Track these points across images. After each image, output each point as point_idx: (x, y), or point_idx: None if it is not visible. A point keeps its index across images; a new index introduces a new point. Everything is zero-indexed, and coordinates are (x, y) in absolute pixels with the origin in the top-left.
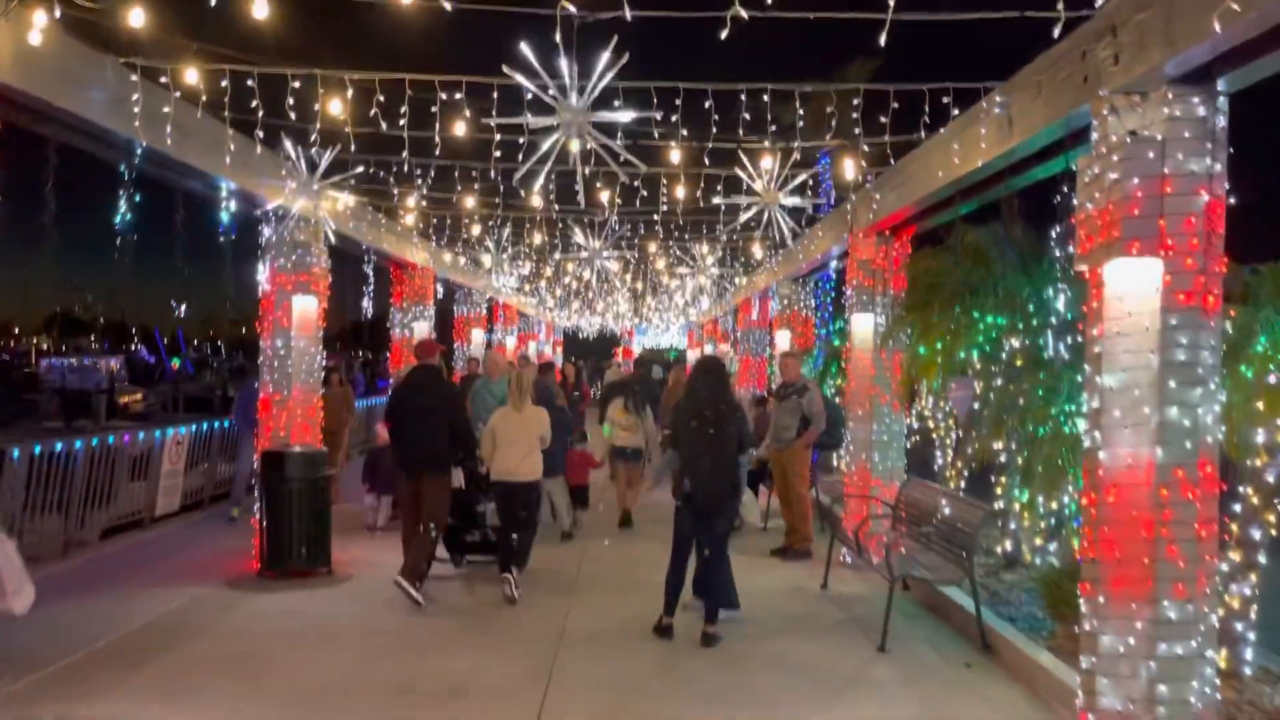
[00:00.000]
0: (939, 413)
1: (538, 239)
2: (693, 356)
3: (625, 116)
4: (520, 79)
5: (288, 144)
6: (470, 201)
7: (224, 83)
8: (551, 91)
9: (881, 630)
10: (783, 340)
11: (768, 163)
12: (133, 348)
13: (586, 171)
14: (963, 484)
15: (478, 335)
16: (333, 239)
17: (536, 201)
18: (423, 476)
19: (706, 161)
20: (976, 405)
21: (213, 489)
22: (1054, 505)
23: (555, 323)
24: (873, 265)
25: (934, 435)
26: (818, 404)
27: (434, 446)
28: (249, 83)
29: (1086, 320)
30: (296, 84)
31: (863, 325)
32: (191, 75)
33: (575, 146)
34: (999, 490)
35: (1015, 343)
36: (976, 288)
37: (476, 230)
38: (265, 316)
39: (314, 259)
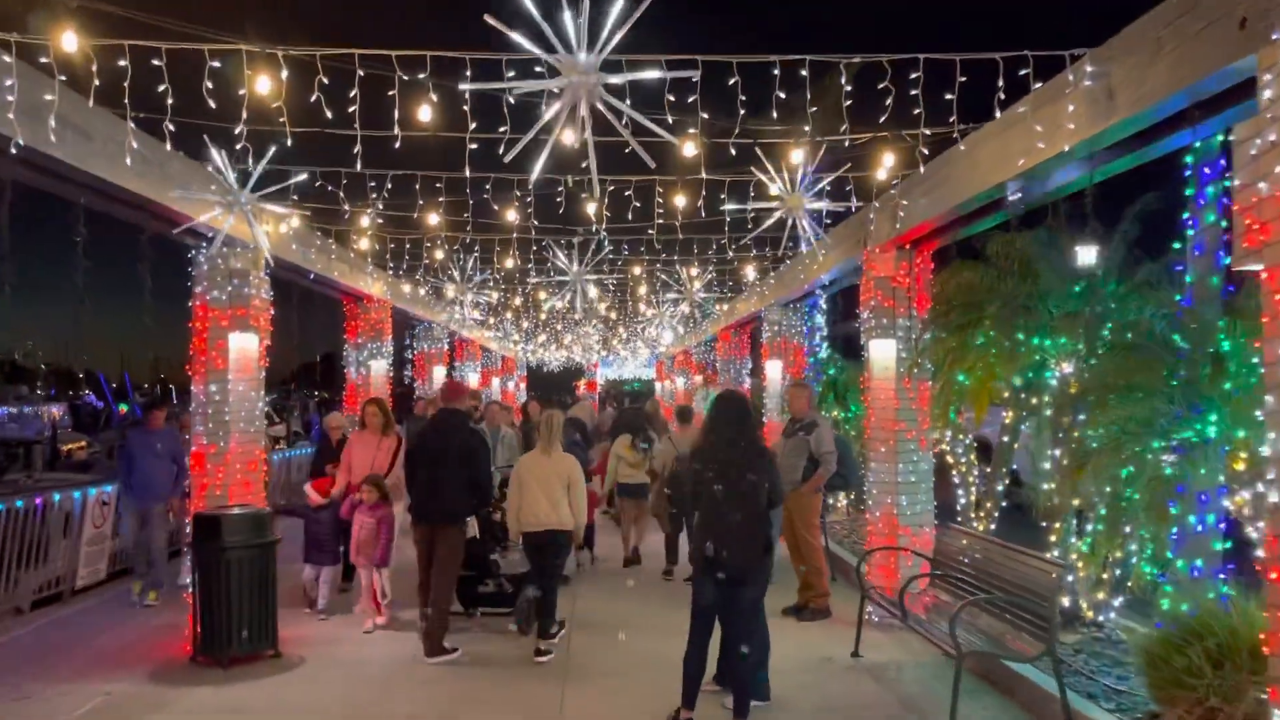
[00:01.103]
0: (957, 446)
1: (510, 263)
2: (662, 390)
3: (651, 74)
4: (511, 34)
5: (213, 152)
6: (434, 219)
7: (123, 61)
8: (555, 55)
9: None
10: (774, 370)
11: (797, 156)
12: (82, 394)
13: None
14: (992, 526)
15: (439, 373)
16: (271, 262)
17: (512, 216)
18: (436, 528)
19: (732, 151)
20: (1005, 437)
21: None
22: (1121, 554)
23: (518, 358)
24: (892, 283)
25: (953, 472)
26: (828, 442)
27: (452, 496)
28: (155, 62)
29: (1263, 335)
30: (216, 63)
31: (882, 351)
32: (69, 44)
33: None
34: (1052, 538)
35: (1068, 367)
36: (1027, 305)
37: (440, 255)
38: (196, 358)
39: (253, 290)
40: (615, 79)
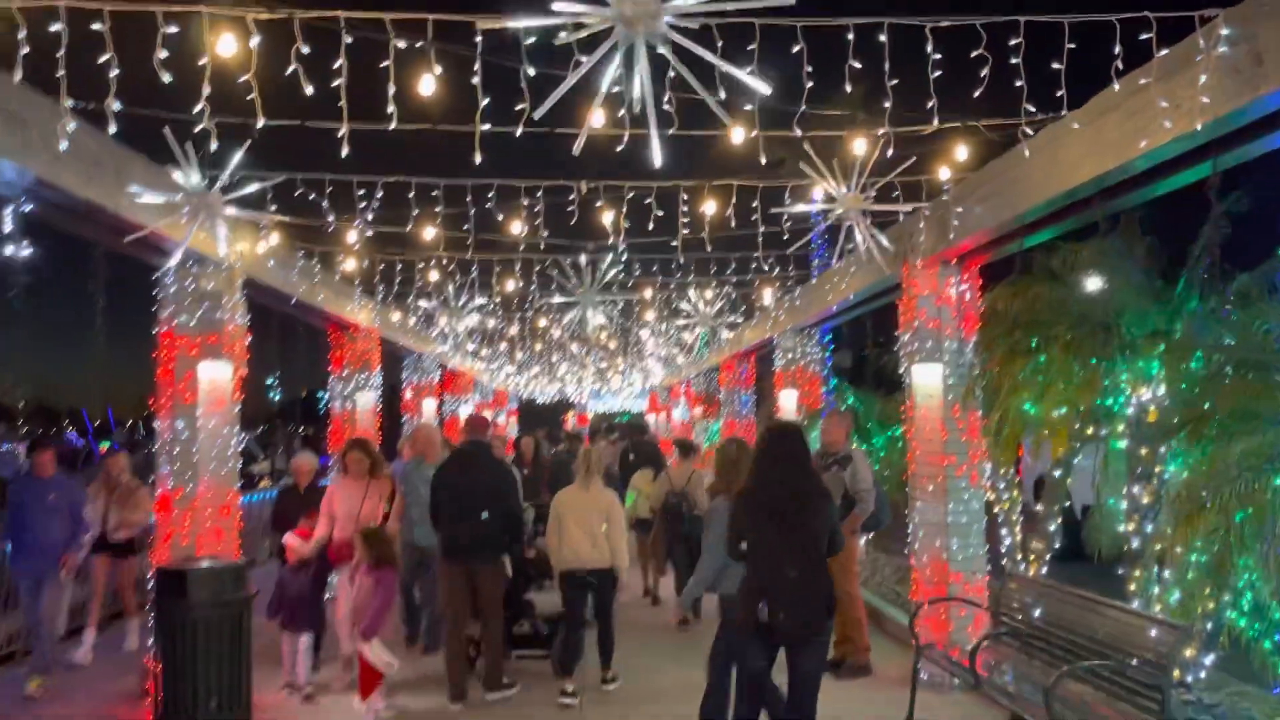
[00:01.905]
0: (999, 481)
1: (510, 285)
2: (655, 423)
3: (724, 4)
4: None
5: (170, 140)
6: (430, 233)
7: (56, 27)
8: None
9: None
10: (788, 400)
11: (855, 148)
12: (64, 431)
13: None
14: (1043, 570)
15: (429, 406)
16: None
17: (517, 229)
18: (473, 568)
19: (797, 131)
20: (1057, 472)
21: (111, 603)
22: (1214, 606)
23: (510, 390)
24: (937, 302)
25: (997, 510)
26: (865, 478)
27: (487, 533)
28: (95, 27)
29: None
30: (172, 29)
31: (927, 377)
32: None
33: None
34: (1132, 586)
35: (1146, 393)
36: (1105, 324)
37: (435, 277)
38: (162, 390)
39: (226, 315)
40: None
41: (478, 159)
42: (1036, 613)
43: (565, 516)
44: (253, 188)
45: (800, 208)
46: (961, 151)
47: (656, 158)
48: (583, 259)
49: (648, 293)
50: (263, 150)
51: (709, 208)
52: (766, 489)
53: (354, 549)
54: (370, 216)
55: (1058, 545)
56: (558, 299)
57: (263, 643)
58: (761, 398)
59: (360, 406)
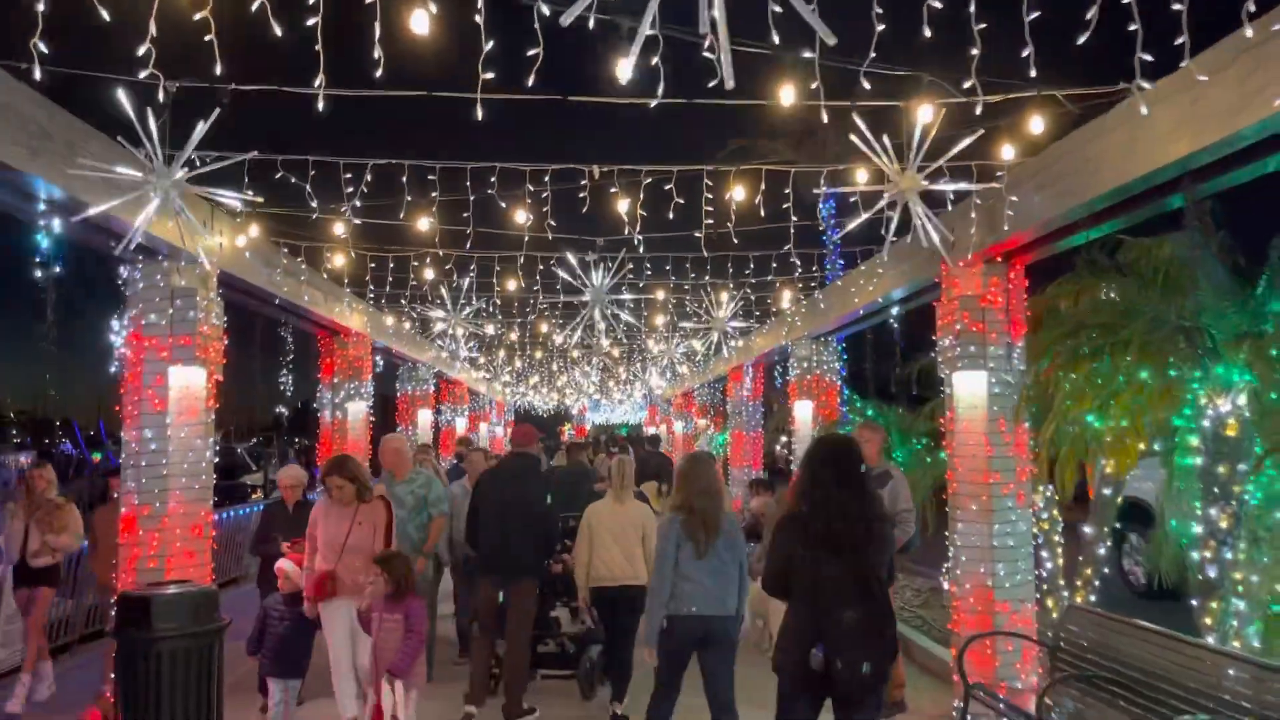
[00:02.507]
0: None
1: (512, 285)
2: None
3: None
4: None
5: (123, 101)
6: (425, 224)
7: None
8: None
9: None
10: (803, 411)
11: (926, 114)
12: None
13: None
14: (1091, 598)
15: (424, 416)
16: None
17: (521, 219)
18: (510, 583)
19: (865, 85)
20: (1106, 490)
21: (84, 622)
22: None
23: (507, 401)
24: (981, 303)
25: (1037, 531)
26: (905, 499)
27: (526, 548)
28: None
29: None
30: None
31: (969, 386)
32: None
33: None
34: (1208, 620)
35: (1224, 404)
36: (1184, 326)
37: (430, 275)
38: (128, 397)
39: (201, 314)
40: None
41: (479, 114)
42: (1104, 650)
43: (599, 530)
44: (222, 164)
45: (847, 189)
46: (1036, 124)
47: (728, 78)
48: (591, 256)
49: (659, 294)
50: (236, 128)
51: (737, 194)
52: (822, 515)
53: (335, 583)
54: (358, 203)
55: (1105, 571)
56: (564, 299)
57: (236, 677)
58: (770, 409)
59: (352, 417)
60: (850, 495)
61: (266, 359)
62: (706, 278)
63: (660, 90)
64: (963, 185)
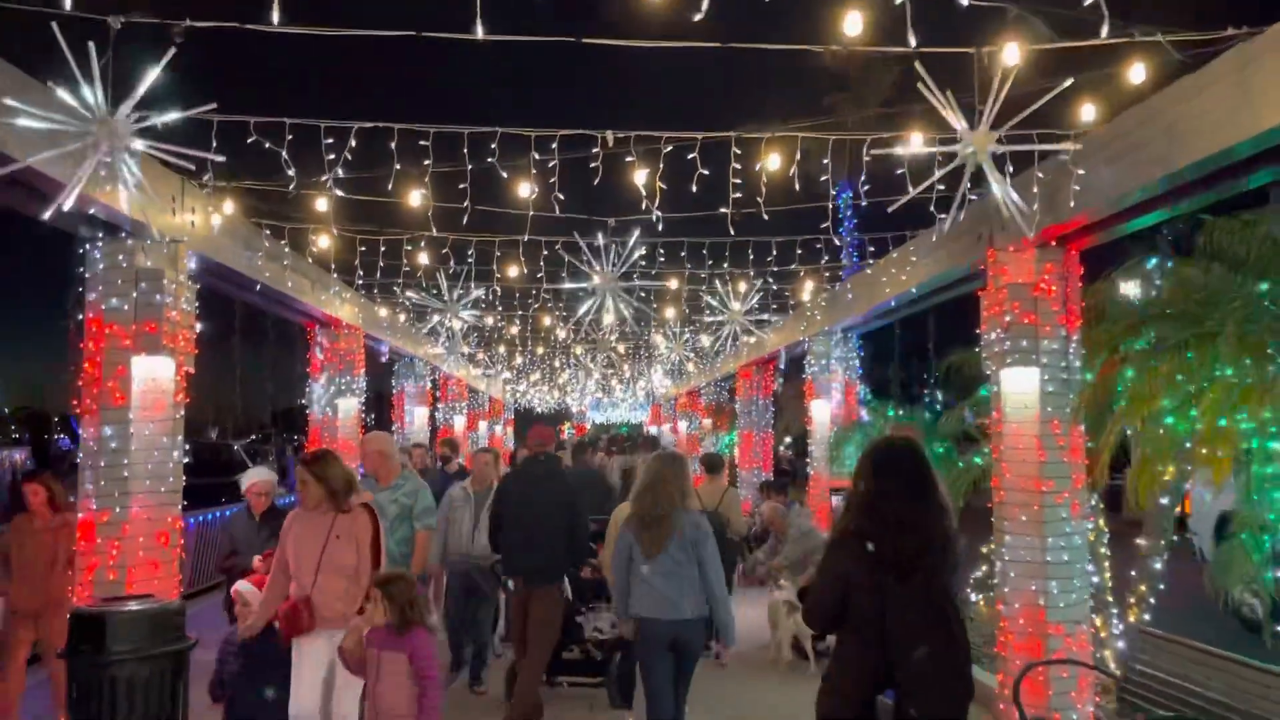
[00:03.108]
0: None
1: (514, 271)
2: (659, 433)
3: None
4: None
5: (58, 36)
6: (417, 198)
7: None
8: None
9: None
10: (820, 412)
11: (1010, 55)
12: (56, 437)
13: None
14: (1145, 618)
15: (419, 414)
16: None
17: (525, 192)
18: (533, 589)
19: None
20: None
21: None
22: None
23: (506, 399)
24: (1033, 292)
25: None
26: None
27: (552, 553)
28: None
29: None
30: None
31: (1020, 384)
32: None
33: None
34: None
35: None
36: None
37: (424, 260)
38: (86, 389)
39: (169, 298)
40: None
41: (479, 32)
42: (1182, 685)
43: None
44: (176, 114)
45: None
46: (1135, 73)
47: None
48: (601, 241)
49: (672, 284)
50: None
51: (770, 163)
52: (889, 534)
53: (310, 615)
54: (340, 172)
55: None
56: (570, 286)
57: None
58: (780, 408)
59: (342, 414)
60: (922, 508)
61: (264, 351)
62: (725, 265)
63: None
64: (1051, 147)
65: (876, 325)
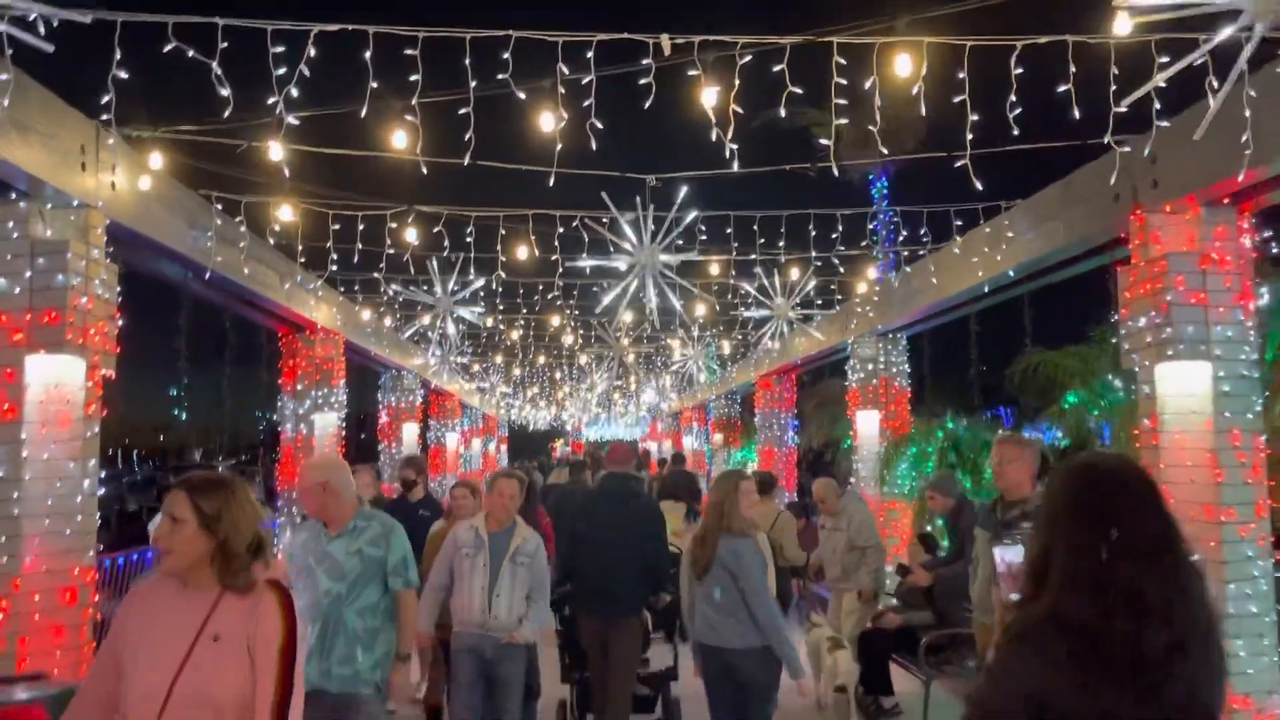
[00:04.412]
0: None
1: (523, 252)
2: (661, 450)
3: None
4: None
5: None
6: (400, 139)
7: None
8: None
9: None
10: (868, 422)
11: None
12: None
13: None
14: None
15: (409, 431)
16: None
17: (547, 124)
18: (613, 623)
19: None
20: None
21: None
22: None
23: (500, 416)
24: (1201, 264)
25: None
26: None
27: (632, 581)
28: None
29: None
30: None
31: (1185, 384)
32: None
33: None
34: None
35: None
36: None
37: (412, 237)
38: None
39: (76, 280)
40: None
41: None
42: None
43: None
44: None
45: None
46: None
47: None
48: (628, 217)
49: (713, 267)
50: None
51: (902, 65)
52: (1115, 622)
53: None
54: (295, 90)
55: None
56: (597, 263)
57: None
58: (804, 421)
59: (319, 431)
60: (1171, 577)
61: (259, 359)
62: (781, 244)
63: None
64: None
65: (956, 316)
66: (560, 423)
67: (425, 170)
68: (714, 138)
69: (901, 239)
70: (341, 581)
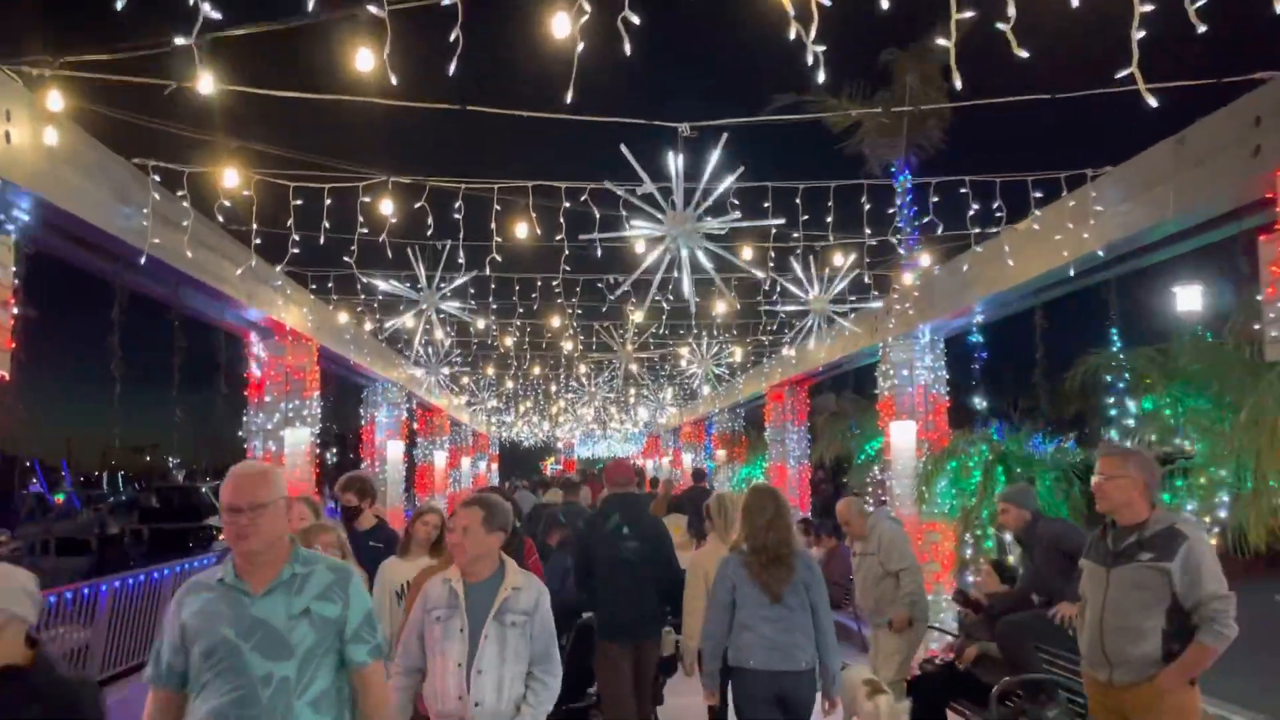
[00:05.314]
0: None
1: (522, 229)
2: (655, 469)
3: None
4: None
5: None
6: (367, 59)
7: None
8: None
9: None
10: (903, 435)
11: None
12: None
13: None
14: None
15: (393, 450)
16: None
17: (561, 28)
18: (639, 645)
19: None
20: None
21: None
22: None
23: (491, 433)
24: None
25: None
26: (1211, 579)
27: (651, 598)
28: None
29: None
30: None
31: None
32: None
33: None
34: None
35: None
36: None
37: (389, 211)
38: None
39: None
40: None
41: None
42: None
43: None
44: None
45: None
46: None
47: None
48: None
49: (745, 253)
50: None
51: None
52: None
53: None
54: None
55: None
56: (624, 235)
57: None
58: (816, 434)
59: (289, 448)
60: None
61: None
62: (828, 220)
63: None
64: None
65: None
66: (553, 439)
67: (406, 118)
68: (793, 34)
69: (940, 231)
70: (288, 661)
